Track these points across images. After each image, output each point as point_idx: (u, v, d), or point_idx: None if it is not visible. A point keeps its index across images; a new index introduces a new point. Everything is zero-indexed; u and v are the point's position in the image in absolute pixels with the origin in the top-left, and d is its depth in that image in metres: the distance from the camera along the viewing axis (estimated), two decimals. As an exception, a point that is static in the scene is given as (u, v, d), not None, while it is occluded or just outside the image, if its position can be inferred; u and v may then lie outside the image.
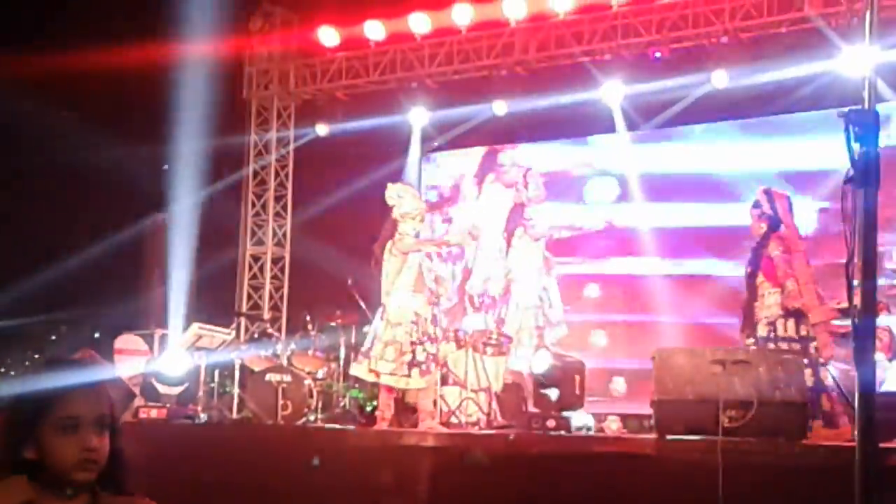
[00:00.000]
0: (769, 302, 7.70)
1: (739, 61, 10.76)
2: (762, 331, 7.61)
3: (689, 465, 5.88)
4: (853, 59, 9.66)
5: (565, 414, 7.86)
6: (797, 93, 10.41)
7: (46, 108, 13.67)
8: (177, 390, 8.85)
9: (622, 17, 11.19)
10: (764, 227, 7.95)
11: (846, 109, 3.12)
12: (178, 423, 8.60)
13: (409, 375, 8.00)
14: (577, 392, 8.31)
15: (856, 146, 3.02)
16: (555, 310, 9.86)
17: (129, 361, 10.12)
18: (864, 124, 3.03)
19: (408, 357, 8.01)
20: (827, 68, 10.13)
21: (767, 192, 8.13)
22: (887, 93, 8.44)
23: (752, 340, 7.65)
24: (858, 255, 3.01)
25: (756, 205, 8.09)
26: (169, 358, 9.20)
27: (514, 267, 9.78)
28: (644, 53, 11.34)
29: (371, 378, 8.23)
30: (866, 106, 3.09)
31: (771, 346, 7.46)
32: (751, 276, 7.91)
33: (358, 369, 8.29)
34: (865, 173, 3.00)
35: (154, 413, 8.61)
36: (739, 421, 6.06)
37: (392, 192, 8.44)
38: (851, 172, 3.05)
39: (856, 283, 3.05)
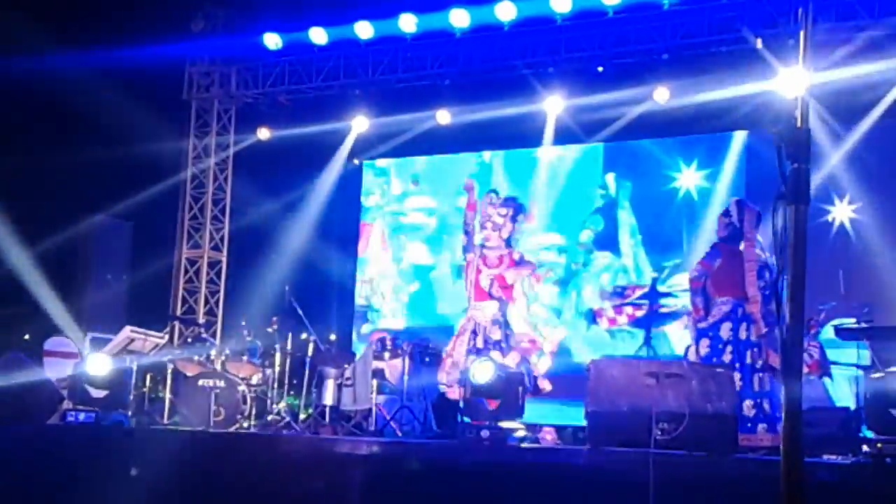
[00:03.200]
0: (713, 309, 7.91)
1: (681, 79, 10.92)
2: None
3: (621, 476, 5.92)
4: (788, 80, 9.84)
5: (502, 424, 7.88)
6: (734, 112, 10.61)
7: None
8: (103, 393, 8.68)
9: (566, 30, 11.29)
10: (725, 236, 8.16)
11: (779, 127, 3.18)
12: (107, 428, 8.45)
13: None
14: (519, 403, 8.36)
15: (788, 163, 3.08)
16: None
17: (58, 364, 9.92)
18: (797, 142, 3.09)
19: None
20: (764, 88, 10.32)
21: (739, 203, 8.34)
22: (821, 113, 8.69)
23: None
24: (789, 269, 3.06)
25: (726, 213, 8.28)
26: (94, 360, 9.01)
27: None
28: (586, 67, 11.45)
29: None
30: (798, 125, 3.15)
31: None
32: (697, 279, 8.13)
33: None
34: (797, 190, 3.06)
35: (82, 416, 8.43)
36: (671, 433, 6.13)
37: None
38: (783, 189, 3.10)
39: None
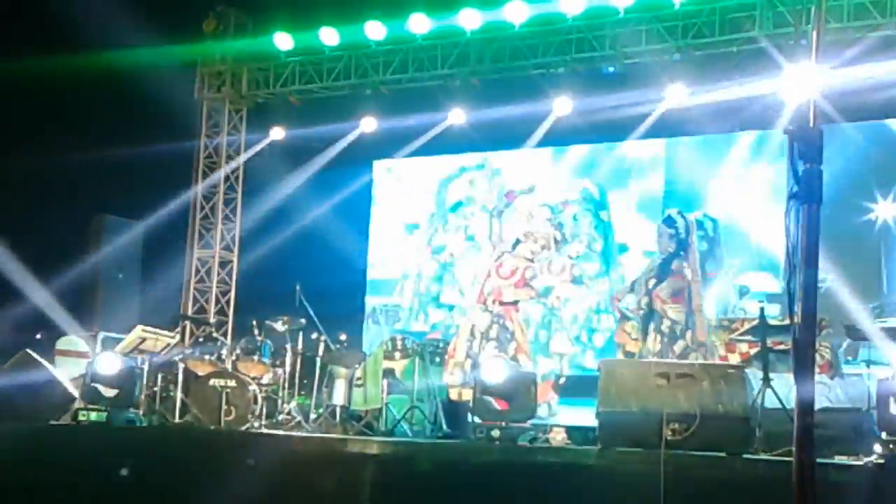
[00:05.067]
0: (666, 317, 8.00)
1: (691, 78, 10.89)
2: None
3: (631, 476, 5.92)
4: (800, 80, 9.82)
5: (514, 424, 7.87)
6: (746, 111, 10.58)
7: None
8: (113, 392, 8.71)
9: (576, 31, 11.28)
10: (673, 247, 8.22)
11: (791, 127, 3.17)
12: (118, 427, 8.47)
13: None
14: (530, 403, 8.35)
15: (800, 163, 3.07)
16: None
17: (70, 363, 9.95)
18: (809, 142, 3.08)
19: None
20: (775, 88, 10.30)
21: (681, 214, 8.36)
22: (832, 113, 8.63)
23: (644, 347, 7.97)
24: (801, 269, 3.05)
25: (669, 223, 8.33)
26: (103, 359, 9.04)
27: None
28: (597, 68, 11.45)
29: None
30: (811, 124, 3.14)
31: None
32: (650, 291, 8.19)
33: None
34: (809, 189, 3.05)
35: (94, 416, 8.45)
36: (682, 434, 6.11)
37: None
38: (795, 188, 3.09)
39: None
